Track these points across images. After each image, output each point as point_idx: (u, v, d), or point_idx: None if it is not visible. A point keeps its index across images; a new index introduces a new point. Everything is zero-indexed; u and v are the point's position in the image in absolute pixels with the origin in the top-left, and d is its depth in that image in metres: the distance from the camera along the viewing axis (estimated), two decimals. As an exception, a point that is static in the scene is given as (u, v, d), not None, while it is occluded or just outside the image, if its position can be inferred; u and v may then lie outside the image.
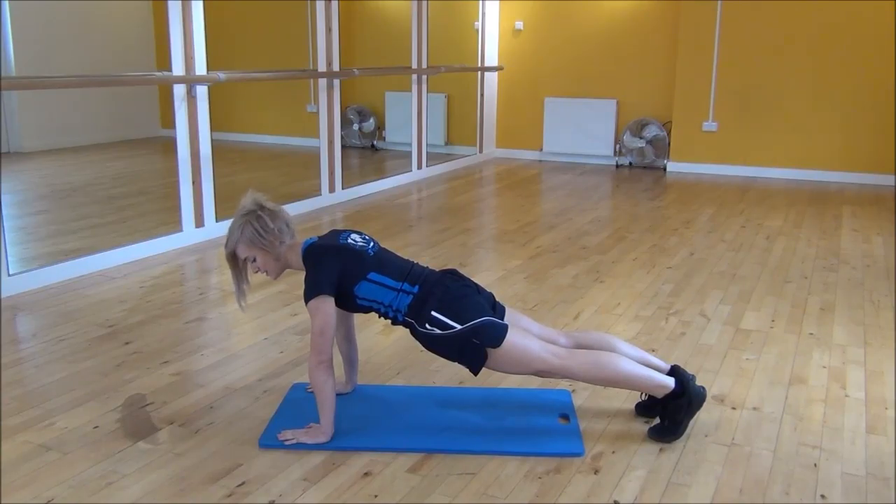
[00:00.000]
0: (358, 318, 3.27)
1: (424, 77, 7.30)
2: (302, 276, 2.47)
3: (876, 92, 7.06)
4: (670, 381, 2.45)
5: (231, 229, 2.48)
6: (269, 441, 2.42)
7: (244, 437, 2.47)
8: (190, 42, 4.70)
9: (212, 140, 4.95)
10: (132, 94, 8.11)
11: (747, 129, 7.57)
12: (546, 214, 5.81)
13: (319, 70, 5.93)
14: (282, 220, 2.47)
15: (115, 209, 5.84)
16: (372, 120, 8.57)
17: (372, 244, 2.53)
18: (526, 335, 2.45)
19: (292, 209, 5.67)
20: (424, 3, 7.11)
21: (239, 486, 2.20)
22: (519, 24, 8.44)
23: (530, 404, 2.68)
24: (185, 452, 2.37)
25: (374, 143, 8.59)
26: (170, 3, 4.58)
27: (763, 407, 2.70)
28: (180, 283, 4.14)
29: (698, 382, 2.55)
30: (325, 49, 5.92)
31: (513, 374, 2.70)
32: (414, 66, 7.12)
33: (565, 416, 2.60)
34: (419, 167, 7.43)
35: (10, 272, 3.85)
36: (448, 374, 2.94)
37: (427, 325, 2.40)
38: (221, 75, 4.84)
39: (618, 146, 8.16)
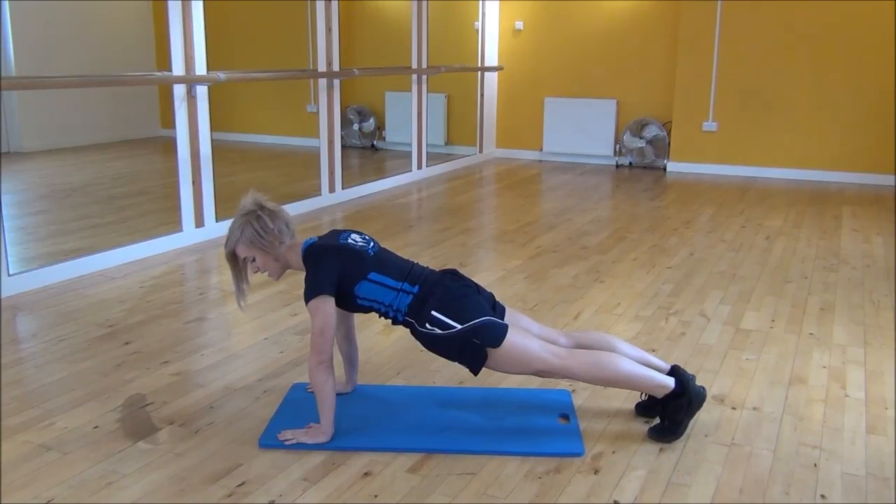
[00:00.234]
0: (358, 318, 3.27)
1: (424, 77, 7.30)
2: (302, 276, 2.47)
3: (876, 92, 7.06)
4: (670, 381, 2.45)
5: (231, 229, 2.48)
6: (269, 441, 2.42)
7: (244, 437, 2.47)
8: (190, 42, 4.70)
9: (212, 140, 4.95)
10: (132, 94, 8.11)
11: (747, 129, 7.57)
12: (546, 214, 5.81)
13: (319, 70, 5.93)
14: (282, 221, 2.47)
15: (115, 209, 5.84)
16: (372, 120, 8.57)
17: (372, 244, 2.53)
18: (526, 335, 2.45)
19: (292, 209, 5.66)
20: (424, 3, 7.11)
21: (239, 486, 2.20)
22: (519, 24, 8.44)
23: (530, 404, 2.68)
24: (185, 452, 2.37)
25: (374, 143, 8.59)
26: (170, 3, 4.58)
27: (763, 407, 2.70)
28: (180, 283, 4.14)
29: (698, 382, 2.55)
30: (325, 49, 5.92)
31: (513, 374, 2.70)
32: (414, 66, 7.12)
33: (565, 416, 2.60)
34: (419, 167, 7.43)
35: (10, 272, 3.85)
36: (448, 374, 2.94)
37: (427, 325, 2.40)
38: (221, 75, 4.84)
39: (618, 146, 8.16)
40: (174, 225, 4.82)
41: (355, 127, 8.57)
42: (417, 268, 2.53)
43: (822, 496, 2.17)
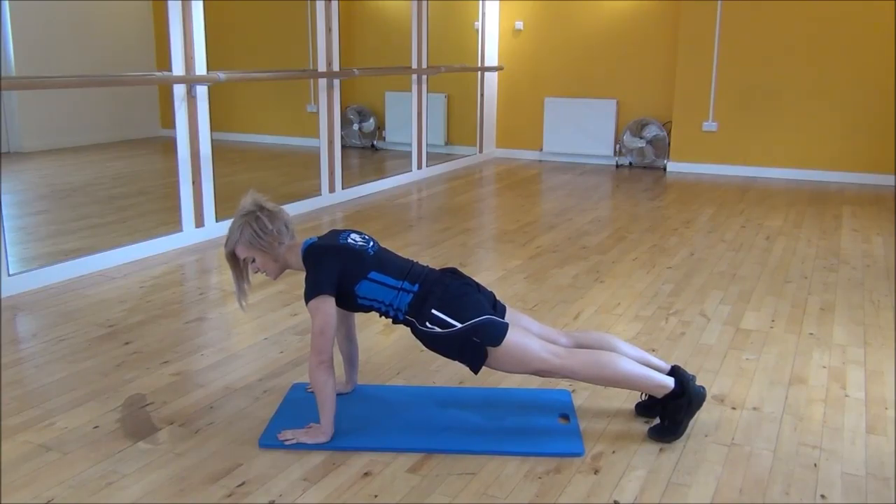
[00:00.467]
0: (358, 318, 3.27)
1: (424, 77, 7.30)
2: (302, 276, 2.47)
3: (876, 92, 7.06)
4: (670, 381, 2.45)
5: (231, 230, 2.48)
6: (269, 441, 2.42)
7: (244, 437, 2.47)
8: (190, 42, 4.70)
9: (212, 140, 4.95)
10: (132, 94, 8.11)
11: (747, 129, 7.57)
12: (546, 214, 5.81)
13: (319, 70, 5.93)
14: (281, 221, 2.47)
15: (115, 209, 5.84)
16: (372, 120, 8.57)
17: (372, 243, 2.53)
18: (526, 334, 2.45)
19: (292, 209, 5.67)
20: (424, 3, 7.11)
21: (239, 486, 2.20)
22: (519, 24, 8.44)
23: (530, 404, 2.68)
24: (185, 452, 2.37)
25: (374, 143, 8.59)
26: (170, 3, 4.58)
27: (763, 407, 2.70)
28: (180, 283, 4.14)
29: (698, 382, 2.55)
30: (325, 49, 5.92)
31: (513, 374, 2.70)
32: (414, 66, 7.12)
33: (565, 416, 2.60)
34: (419, 167, 7.43)
35: (10, 272, 3.85)
36: (448, 374, 2.94)
37: (427, 324, 2.40)
38: (221, 75, 4.84)
39: (618, 146, 8.16)
40: (174, 225, 4.82)
41: (355, 127, 8.58)
42: (417, 267, 2.53)
43: (822, 496, 2.17)
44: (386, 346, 3.23)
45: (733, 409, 2.69)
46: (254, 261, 2.49)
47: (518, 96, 8.59)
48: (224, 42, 6.83)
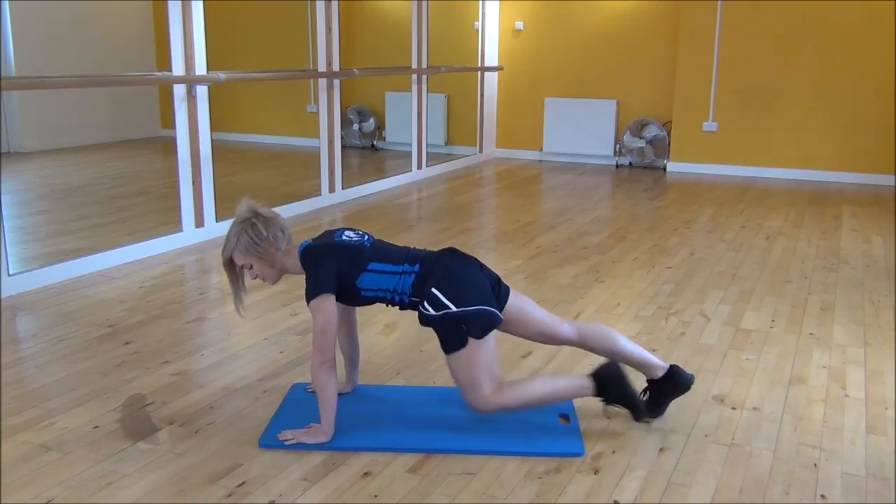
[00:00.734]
0: (358, 318, 3.27)
1: (424, 77, 7.30)
2: (300, 277, 2.47)
3: (876, 92, 7.06)
4: (590, 387, 2.45)
5: (227, 237, 2.48)
6: (269, 441, 2.42)
7: (244, 437, 2.47)
8: (190, 42, 4.70)
9: (212, 140, 4.95)
10: (132, 94, 8.11)
11: (747, 129, 7.57)
12: (546, 214, 5.81)
13: (319, 70, 5.93)
14: (276, 227, 2.47)
15: (115, 209, 5.84)
16: (372, 120, 8.57)
17: (367, 237, 2.53)
18: (494, 356, 2.43)
19: (292, 209, 5.67)
20: (424, 3, 7.11)
21: (239, 486, 2.20)
22: (519, 24, 8.44)
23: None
24: (185, 452, 2.37)
25: (374, 143, 8.59)
26: (170, 3, 4.58)
27: (763, 407, 2.70)
28: (180, 283, 4.15)
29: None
30: (325, 49, 5.92)
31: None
32: (414, 66, 7.12)
33: (565, 416, 2.60)
34: (419, 167, 7.43)
35: (10, 272, 3.85)
36: (448, 373, 2.93)
37: (426, 303, 2.39)
38: (221, 75, 4.85)
39: (618, 146, 8.16)
40: (174, 225, 4.82)
41: (355, 127, 8.58)
42: (415, 250, 2.55)
43: (822, 496, 2.17)
44: (386, 346, 3.23)
45: (733, 409, 2.69)
46: (251, 268, 2.49)
47: (518, 96, 8.59)
48: (224, 42, 6.83)
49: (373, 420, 2.56)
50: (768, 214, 5.82)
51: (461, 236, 5.09)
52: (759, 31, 7.35)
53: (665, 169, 7.94)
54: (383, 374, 2.97)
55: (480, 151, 8.53)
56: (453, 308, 2.37)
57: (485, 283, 2.46)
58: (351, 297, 2.47)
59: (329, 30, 5.92)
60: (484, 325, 2.38)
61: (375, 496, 2.15)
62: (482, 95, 8.39)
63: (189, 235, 4.86)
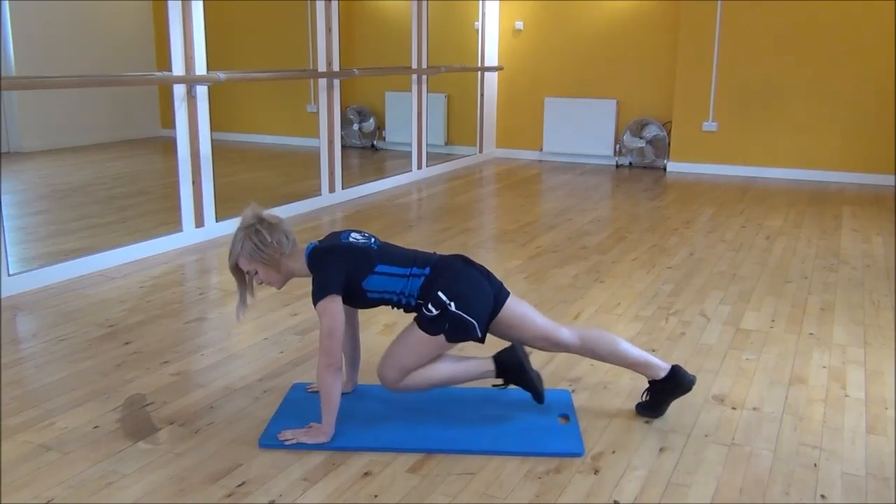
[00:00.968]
0: (359, 318, 3.27)
1: (424, 77, 7.30)
2: (302, 279, 2.48)
3: (876, 92, 7.06)
4: (491, 368, 2.54)
5: (232, 244, 2.48)
6: (269, 441, 2.42)
7: (244, 437, 2.47)
8: (190, 42, 4.70)
9: (212, 140, 4.95)
10: (132, 94, 8.11)
11: (747, 129, 7.57)
12: (546, 214, 5.81)
13: (319, 70, 5.93)
14: (281, 232, 2.47)
15: (115, 209, 5.84)
16: (372, 120, 8.57)
17: (373, 239, 2.54)
18: (451, 366, 2.52)
19: (292, 209, 5.67)
20: (424, 3, 7.11)
21: (239, 486, 2.20)
22: (519, 24, 8.44)
23: (530, 404, 2.67)
24: (185, 452, 2.37)
25: (374, 143, 8.59)
26: (170, 3, 4.58)
27: (763, 407, 2.70)
28: (180, 283, 4.15)
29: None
30: (325, 49, 5.92)
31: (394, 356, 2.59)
32: (414, 66, 7.12)
33: (565, 416, 2.60)
34: (419, 167, 7.43)
35: (10, 272, 3.85)
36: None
37: (430, 305, 2.41)
38: (221, 75, 4.85)
39: (618, 146, 8.16)
40: (174, 225, 4.82)
41: (355, 127, 8.57)
42: (423, 253, 2.56)
43: (822, 496, 2.17)
44: (386, 347, 3.22)
45: (733, 409, 2.69)
46: (257, 273, 2.49)
47: (518, 96, 8.59)
48: (224, 42, 6.83)
49: (373, 420, 2.57)
50: (768, 214, 5.82)
51: (461, 236, 5.09)
52: (759, 31, 7.35)
53: (665, 169, 7.94)
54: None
55: (480, 151, 8.53)
56: (452, 307, 2.39)
57: (488, 298, 2.48)
58: (356, 298, 2.47)
59: (329, 30, 5.92)
60: (463, 334, 2.43)
61: (375, 496, 2.15)
62: (482, 95, 8.39)
63: (189, 235, 4.86)
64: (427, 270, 2.45)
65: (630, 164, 8.17)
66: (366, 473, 2.27)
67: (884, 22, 6.94)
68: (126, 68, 7.90)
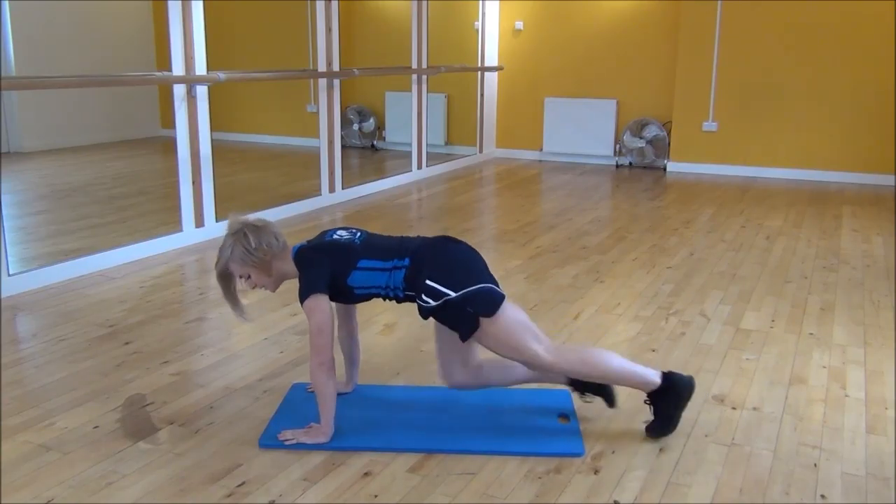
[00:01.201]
0: (359, 318, 3.27)
1: (424, 77, 7.30)
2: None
3: (876, 92, 7.06)
4: (656, 377, 2.44)
5: (220, 251, 2.47)
6: (269, 441, 2.42)
7: (244, 437, 2.47)
8: (190, 42, 4.70)
9: (212, 140, 4.95)
10: (132, 94, 8.11)
11: (747, 129, 7.57)
12: (546, 214, 5.81)
13: (319, 70, 5.93)
14: (270, 235, 2.45)
15: (115, 209, 5.84)
16: (372, 120, 8.57)
17: (358, 234, 2.52)
18: (524, 317, 2.41)
19: (292, 209, 5.67)
20: (424, 3, 7.11)
21: (239, 486, 2.20)
22: (519, 24, 8.44)
23: (530, 404, 2.68)
24: (185, 452, 2.37)
25: (374, 143, 8.59)
26: (170, 3, 4.58)
27: (763, 407, 2.70)
28: (180, 283, 4.15)
29: (698, 382, 2.55)
30: (325, 49, 5.92)
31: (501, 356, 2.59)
32: (414, 66, 7.12)
33: (565, 416, 2.60)
34: (419, 167, 7.43)
35: (10, 272, 3.85)
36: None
37: (423, 296, 2.36)
38: (221, 75, 4.85)
39: (618, 146, 8.16)
40: (174, 225, 4.82)
41: (355, 127, 8.57)
42: (407, 241, 2.50)
43: (822, 496, 2.17)
44: (386, 347, 3.23)
45: (733, 409, 2.69)
46: (249, 278, 2.48)
47: (518, 96, 8.59)
48: (224, 42, 6.83)
49: (373, 420, 2.56)
50: (768, 214, 5.82)
51: (461, 236, 5.05)
52: (758, 31, 7.35)
53: (665, 169, 7.94)
54: (383, 374, 2.97)
55: (480, 151, 8.53)
56: (452, 294, 2.33)
57: (479, 262, 2.43)
58: (346, 296, 2.47)
59: (329, 30, 5.92)
60: (489, 301, 2.34)
61: (375, 496, 2.15)
62: (482, 95, 8.39)
63: (189, 235, 4.86)
64: (406, 261, 2.40)
65: (630, 164, 8.17)
66: (366, 473, 2.27)
67: (884, 22, 6.94)
68: (126, 68, 7.90)
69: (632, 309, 3.71)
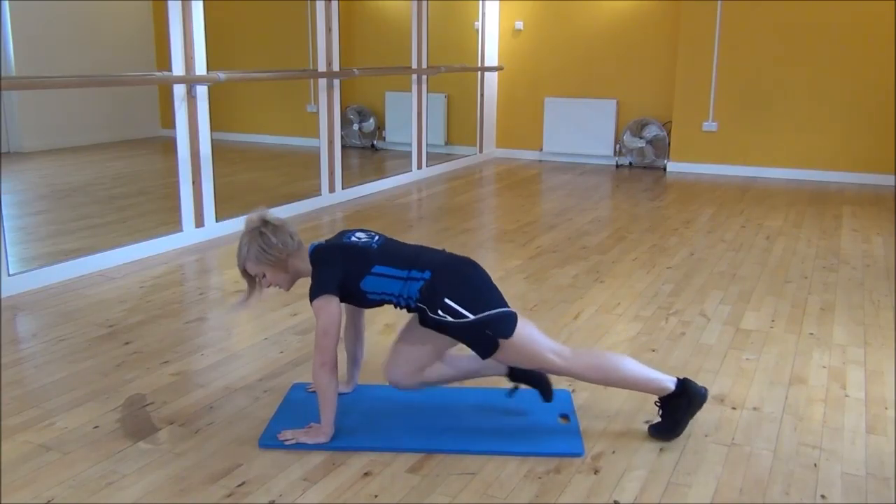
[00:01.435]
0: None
1: (424, 77, 7.30)
2: (301, 279, 2.48)
3: (876, 92, 7.06)
4: (671, 382, 2.45)
5: (239, 247, 2.48)
6: (269, 441, 2.42)
7: (244, 437, 2.47)
8: (190, 42, 4.70)
9: (212, 140, 4.95)
10: (132, 94, 8.11)
11: (747, 129, 7.57)
12: (546, 214, 5.81)
13: (319, 70, 5.93)
14: (285, 234, 2.46)
15: (115, 209, 5.84)
16: (372, 120, 8.57)
17: (377, 238, 2.53)
18: (535, 330, 2.44)
19: (292, 209, 5.67)
20: (424, 3, 7.11)
21: (239, 486, 2.20)
22: (519, 24, 8.44)
23: (530, 404, 2.68)
24: (185, 452, 2.37)
25: (374, 143, 8.59)
26: (170, 3, 4.58)
27: (763, 407, 2.70)
28: (180, 283, 4.15)
29: (699, 382, 2.55)
30: (325, 49, 5.92)
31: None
32: (414, 66, 7.12)
33: (565, 416, 2.60)
34: (419, 167, 7.43)
35: (10, 272, 3.85)
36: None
37: (439, 312, 2.36)
38: (221, 75, 4.85)
39: (618, 146, 8.16)
40: (174, 225, 4.82)
41: (355, 127, 8.57)
42: (428, 253, 2.49)
43: (822, 496, 2.17)
44: (386, 347, 3.22)
45: (733, 409, 2.69)
46: (264, 276, 2.49)
47: (518, 96, 8.59)
48: (224, 42, 6.83)
49: (373, 420, 2.57)
50: (768, 214, 5.82)
51: (461, 236, 5.09)
52: (759, 31, 7.35)
53: (665, 169, 7.94)
54: (383, 374, 2.96)
55: (480, 151, 8.53)
56: (471, 317, 2.34)
57: (498, 293, 2.44)
58: (358, 299, 2.46)
59: (329, 30, 5.92)
60: (506, 325, 2.37)
61: (375, 496, 2.15)
62: (482, 95, 8.39)
63: (189, 235, 4.86)
64: (427, 274, 2.39)
65: (630, 164, 8.17)
66: (366, 473, 2.27)
67: (884, 22, 6.94)
68: (126, 68, 7.90)
69: (632, 309, 3.71)
